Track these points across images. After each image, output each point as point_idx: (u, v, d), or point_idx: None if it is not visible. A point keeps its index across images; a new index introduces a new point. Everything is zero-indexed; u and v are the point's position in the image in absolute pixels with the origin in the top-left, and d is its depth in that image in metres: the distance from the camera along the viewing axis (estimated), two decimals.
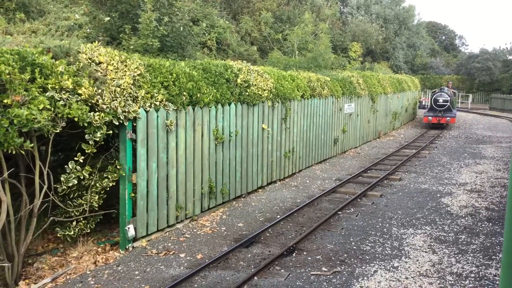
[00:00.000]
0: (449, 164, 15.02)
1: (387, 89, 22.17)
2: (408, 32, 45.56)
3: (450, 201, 10.49)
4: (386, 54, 42.48)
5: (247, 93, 10.23)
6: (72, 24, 14.58)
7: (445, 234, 8.35)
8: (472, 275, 6.61)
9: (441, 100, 24.67)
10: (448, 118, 24.51)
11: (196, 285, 6.21)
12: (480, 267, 6.88)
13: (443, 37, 63.96)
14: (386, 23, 42.34)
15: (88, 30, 14.81)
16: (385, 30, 41.32)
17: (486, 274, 6.63)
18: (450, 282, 6.37)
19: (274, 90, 11.37)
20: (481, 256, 7.31)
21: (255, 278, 6.40)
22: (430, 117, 24.76)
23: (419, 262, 7.04)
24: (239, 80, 10.00)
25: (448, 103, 24.62)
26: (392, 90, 23.22)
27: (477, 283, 6.36)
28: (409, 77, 30.43)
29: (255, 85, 10.53)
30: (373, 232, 8.39)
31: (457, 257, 7.26)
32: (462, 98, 42.54)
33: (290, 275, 6.54)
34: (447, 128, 25.62)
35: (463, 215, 9.46)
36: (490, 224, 8.92)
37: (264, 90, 10.88)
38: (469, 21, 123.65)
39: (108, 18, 15.79)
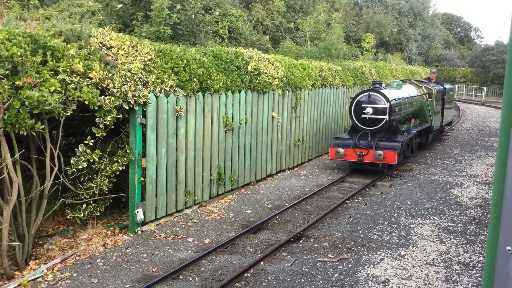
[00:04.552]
0: (461, 156, 14.90)
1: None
2: (423, 23, 44.97)
3: (460, 192, 10.42)
4: (400, 46, 42.03)
5: (257, 81, 10.22)
6: (85, 10, 14.65)
7: (453, 224, 8.31)
8: (480, 265, 6.59)
9: (369, 111, 11.46)
10: (380, 153, 10.92)
11: (203, 268, 6.28)
12: None
13: (458, 29, 62.99)
14: (400, 15, 41.83)
15: (100, 17, 14.88)
16: (399, 22, 40.83)
17: None
18: (457, 271, 6.36)
19: (284, 78, 11.35)
20: None
21: (262, 263, 6.44)
22: (340, 150, 11.38)
23: (426, 251, 7.02)
24: (249, 68, 9.99)
25: (386, 117, 11.42)
26: None
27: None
28: (422, 68, 30.16)
29: (266, 73, 10.51)
30: (381, 221, 8.38)
31: (465, 247, 7.23)
32: (476, 91, 42.00)
33: (297, 261, 6.58)
34: (459, 120, 22.19)
35: (473, 206, 9.40)
36: None
37: (275, 78, 10.86)
38: (485, 13, 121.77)
39: (121, 5, 15.84)
